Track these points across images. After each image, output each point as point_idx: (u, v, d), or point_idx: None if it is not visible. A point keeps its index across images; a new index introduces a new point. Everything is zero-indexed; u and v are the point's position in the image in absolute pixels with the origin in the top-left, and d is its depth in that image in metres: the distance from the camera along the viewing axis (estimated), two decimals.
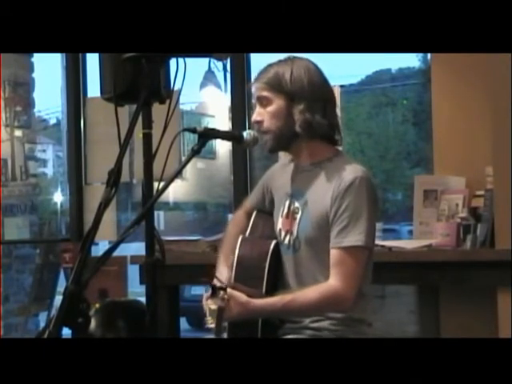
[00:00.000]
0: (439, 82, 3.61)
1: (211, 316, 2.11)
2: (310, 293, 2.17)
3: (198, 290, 9.21)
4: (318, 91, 2.23)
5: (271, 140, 2.27)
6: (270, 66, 2.28)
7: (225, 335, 2.21)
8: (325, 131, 2.25)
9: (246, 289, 2.16)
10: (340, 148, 2.35)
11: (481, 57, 2.76)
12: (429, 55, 3.93)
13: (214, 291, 2.08)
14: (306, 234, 2.25)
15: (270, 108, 2.25)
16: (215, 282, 2.19)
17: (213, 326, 2.09)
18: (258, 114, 2.28)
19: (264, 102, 2.26)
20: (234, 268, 2.27)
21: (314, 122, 2.21)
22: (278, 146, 2.32)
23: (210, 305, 2.10)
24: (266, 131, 2.27)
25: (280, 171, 2.42)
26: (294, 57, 2.27)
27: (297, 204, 2.29)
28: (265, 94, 2.25)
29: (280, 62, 2.27)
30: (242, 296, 2.12)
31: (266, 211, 2.43)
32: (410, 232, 3.63)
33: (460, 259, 3.05)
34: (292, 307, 2.16)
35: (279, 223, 2.34)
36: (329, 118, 2.24)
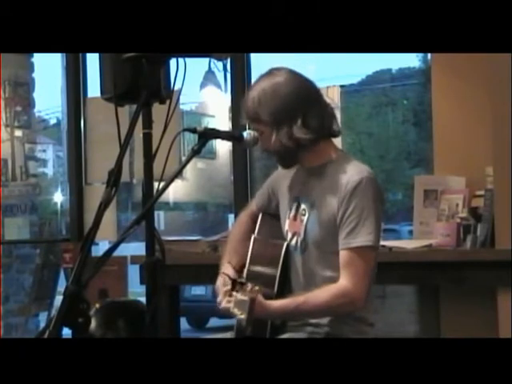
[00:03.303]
0: (439, 82, 3.61)
1: (238, 307, 2.06)
2: (321, 294, 2.17)
3: (198, 290, 9.22)
4: (289, 108, 2.22)
5: (277, 160, 2.33)
6: (248, 93, 2.29)
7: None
8: (313, 139, 2.25)
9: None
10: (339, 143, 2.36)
11: (481, 57, 2.76)
12: (429, 55, 3.93)
13: (235, 286, 2.07)
14: (314, 236, 2.26)
15: (262, 136, 2.28)
16: (234, 276, 2.19)
17: (243, 316, 2.05)
18: (260, 140, 2.30)
19: (256, 131, 2.29)
20: (246, 267, 2.29)
21: (295, 140, 2.22)
22: (287, 163, 2.35)
23: (240, 296, 2.06)
24: (271, 152, 2.31)
25: (285, 174, 2.43)
26: (263, 78, 2.27)
27: (303, 206, 2.30)
28: (252, 125, 2.30)
29: (253, 86, 2.28)
30: (259, 296, 2.12)
31: (271, 213, 2.45)
32: (410, 232, 3.63)
33: (460, 259, 3.05)
34: (304, 309, 2.17)
35: (286, 225, 2.35)
36: (313, 127, 2.23)
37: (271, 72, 2.28)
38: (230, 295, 2.12)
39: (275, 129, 2.24)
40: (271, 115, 2.23)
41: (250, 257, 2.30)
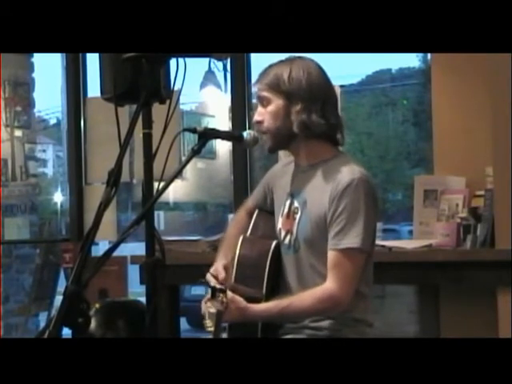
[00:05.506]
0: (439, 82, 3.61)
1: (210, 319, 2.10)
2: (306, 297, 2.17)
3: (198, 290, 9.20)
4: (316, 92, 2.22)
5: (270, 140, 2.28)
6: (270, 66, 2.29)
7: (224, 336, 2.20)
8: (323, 132, 2.24)
9: (245, 289, 2.16)
10: (340, 148, 2.35)
11: (481, 57, 2.77)
12: (429, 55, 3.93)
13: (214, 293, 2.07)
14: (305, 235, 2.25)
15: (270, 108, 2.26)
16: (214, 283, 2.19)
17: (211, 329, 2.08)
18: (259, 114, 2.29)
19: (264, 102, 2.27)
20: (234, 268, 2.27)
21: (310, 122, 2.20)
22: (277, 146, 2.32)
23: (209, 308, 2.09)
24: (266, 131, 2.27)
25: (281, 171, 2.43)
26: (295, 57, 2.27)
27: (296, 204, 2.29)
28: (264, 94, 2.26)
29: (281, 62, 2.28)
30: (241, 301, 2.12)
31: (267, 210, 2.44)
32: (410, 232, 3.64)
33: (460, 259, 3.05)
34: (288, 312, 2.17)
35: (279, 223, 2.34)
36: (328, 119, 2.24)
37: (296, 56, 2.27)
38: (206, 303, 2.14)
39: (292, 103, 2.22)
40: (297, 89, 2.20)
41: (238, 257, 2.27)
